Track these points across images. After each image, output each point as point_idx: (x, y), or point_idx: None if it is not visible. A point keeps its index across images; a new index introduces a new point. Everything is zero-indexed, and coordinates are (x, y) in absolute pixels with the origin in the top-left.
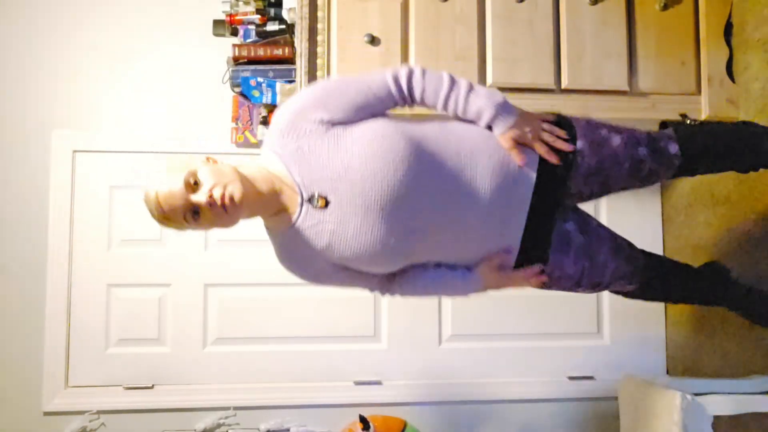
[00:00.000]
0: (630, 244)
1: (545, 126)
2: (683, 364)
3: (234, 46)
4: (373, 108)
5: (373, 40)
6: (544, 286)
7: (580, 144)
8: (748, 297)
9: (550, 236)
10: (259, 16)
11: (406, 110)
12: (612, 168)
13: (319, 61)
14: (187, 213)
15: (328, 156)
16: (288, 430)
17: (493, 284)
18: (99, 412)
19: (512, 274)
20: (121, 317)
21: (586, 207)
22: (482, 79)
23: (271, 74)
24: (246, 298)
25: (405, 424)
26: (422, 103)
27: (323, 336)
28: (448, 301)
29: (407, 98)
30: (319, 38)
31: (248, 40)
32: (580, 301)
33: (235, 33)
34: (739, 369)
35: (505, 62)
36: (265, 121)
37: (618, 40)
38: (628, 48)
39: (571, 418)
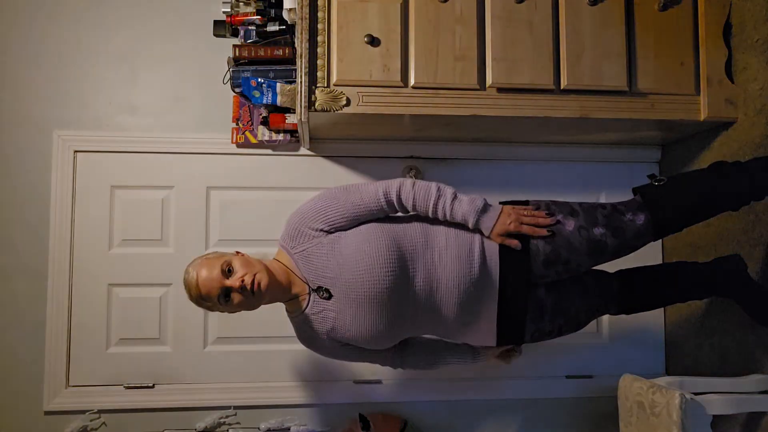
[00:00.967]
0: (598, 277)
1: (523, 212)
2: (683, 364)
3: (234, 46)
4: (366, 217)
5: (373, 41)
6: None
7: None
8: (758, 293)
9: (525, 317)
10: (259, 17)
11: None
12: (570, 253)
13: (319, 62)
14: (221, 296)
15: (326, 258)
16: (288, 429)
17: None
18: (100, 412)
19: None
20: (121, 316)
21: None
22: (482, 79)
23: (271, 74)
24: None
25: (404, 423)
26: (414, 211)
27: None
28: None
29: (397, 209)
30: (319, 38)
31: (249, 41)
32: None
33: (235, 34)
34: (738, 369)
35: (505, 62)
36: (265, 122)
37: (617, 41)
38: (627, 48)
39: (569, 416)
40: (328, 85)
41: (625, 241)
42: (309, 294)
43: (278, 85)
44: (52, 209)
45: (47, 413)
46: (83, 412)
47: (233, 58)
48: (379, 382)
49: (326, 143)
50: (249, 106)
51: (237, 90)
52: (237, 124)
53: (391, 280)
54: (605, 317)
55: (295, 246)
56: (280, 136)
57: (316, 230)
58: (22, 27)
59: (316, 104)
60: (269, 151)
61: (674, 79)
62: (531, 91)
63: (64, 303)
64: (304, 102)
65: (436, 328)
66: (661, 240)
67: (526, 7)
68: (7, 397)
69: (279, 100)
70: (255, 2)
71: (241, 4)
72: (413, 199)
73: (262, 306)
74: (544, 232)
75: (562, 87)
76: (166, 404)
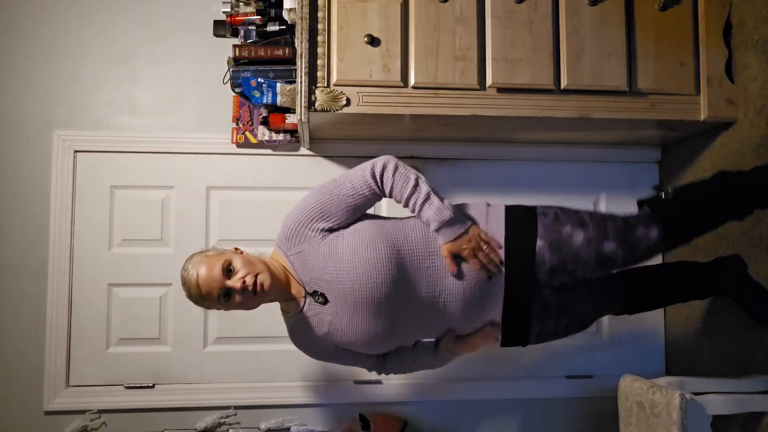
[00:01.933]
0: (603, 278)
1: (483, 245)
2: (683, 364)
3: (234, 46)
4: (363, 206)
5: (373, 41)
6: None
7: (539, 243)
8: (758, 293)
9: (530, 319)
10: (259, 17)
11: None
12: (576, 265)
13: (319, 62)
14: (221, 295)
15: (324, 260)
16: (288, 429)
17: (459, 351)
18: (100, 412)
19: (470, 339)
20: (121, 316)
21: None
22: (482, 79)
23: (271, 74)
24: None
25: (404, 423)
26: (391, 197)
27: None
28: None
29: (383, 191)
30: (319, 38)
31: (249, 41)
32: None
33: (235, 34)
34: (738, 369)
35: (505, 62)
36: (265, 122)
37: (617, 41)
38: (627, 48)
39: (570, 417)
40: (328, 85)
41: (637, 255)
42: (305, 297)
43: (278, 85)
44: (52, 209)
45: (47, 413)
46: (83, 412)
47: (233, 58)
48: (379, 382)
49: (326, 143)
50: (249, 106)
51: (237, 90)
52: (237, 124)
53: (389, 286)
54: (605, 317)
55: (291, 247)
56: (280, 136)
57: (315, 230)
58: (22, 27)
59: (316, 104)
60: (269, 151)
61: (674, 79)
62: (531, 91)
63: (64, 303)
64: (304, 102)
65: (437, 332)
66: None
67: (526, 7)
68: (7, 397)
69: (279, 100)
70: (255, 2)
71: (241, 4)
72: (391, 186)
73: (261, 305)
74: (484, 273)
75: (562, 87)
76: (166, 404)
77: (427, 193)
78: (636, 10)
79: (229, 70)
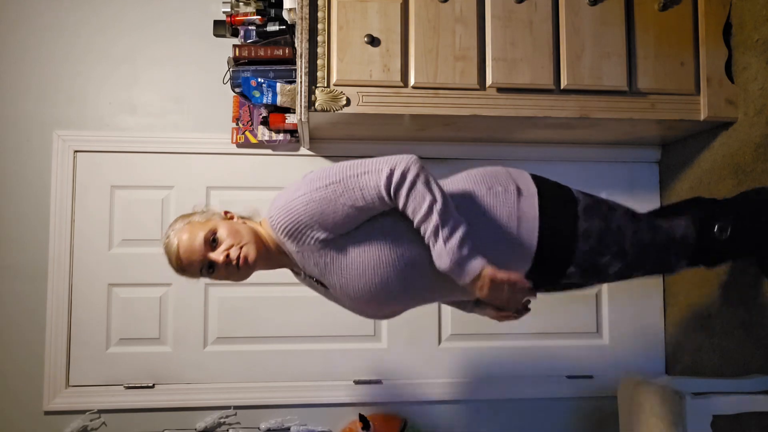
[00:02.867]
0: (659, 249)
1: (504, 286)
2: (683, 364)
3: (234, 46)
4: (366, 216)
5: (373, 41)
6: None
7: (571, 269)
8: None
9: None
10: (259, 17)
11: None
12: (597, 280)
13: (319, 62)
14: (204, 267)
15: (324, 270)
16: (288, 429)
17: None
18: (100, 412)
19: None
20: (121, 316)
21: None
22: (482, 79)
23: (271, 74)
24: (246, 297)
25: (404, 423)
26: (403, 213)
27: (323, 335)
28: None
29: (396, 207)
30: (319, 38)
31: (249, 41)
32: (580, 300)
33: (235, 34)
34: (738, 369)
35: (505, 62)
36: (265, 122)
37: (617, 41)
38: (627, 48)
39: (570, 417)
40: (328, 85)
41: (654, 272)
42: (303, 274)
43: (278, 85)
44: (52, 209)
45: (47, 413)
46: (83, 412)
47: (233, 58)
48: (379, 382)
49: (326, 143)
50: (249, 106)
51: (237, 90)
52: (237, 124)
53: (396, 297)
54: (605, 316)
55: (286, 242)
56: (280, 136)
57: (313, 240)
58: (22, 27)
59: (316, 104)
60: (269, 151)
61: (674, 78)
62: (531, 91)
63: (64, 303)
64: (304, 102)
65: (449, 298)
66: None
67: (526, 7)
68: (7, 397)
69: (279, 100)
70: (255, 2)
71: (241, 4)
72: (404, 205)
73: (261, 306)
74: (503, 320)
75: (562, 87)
76: (166, 404)
77: (436, 227)
78: (636, 10)
79: (229, 70)
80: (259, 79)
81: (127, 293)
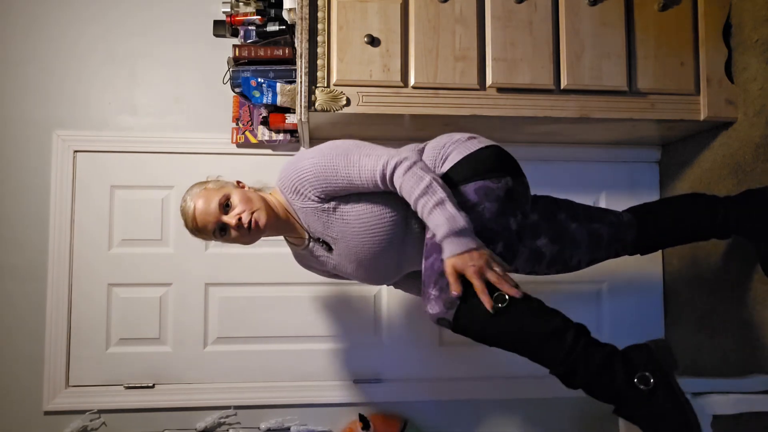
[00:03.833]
0: (612, 230)
1: (496, 268)
2: (683, 364)
3: (234, 46)
4: (361, 190)
5: (373, 41)
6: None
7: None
8: None
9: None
10: (259, 17)
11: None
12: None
13: (319, 62)
14: (216, 230)
15: (327, 220)
16: (288, 429)
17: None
18: (100, 412)
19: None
20: (121, 316)
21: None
22: (482, 79)
23: (271, 74)
24: (246, 297)
25: (404, 423)
26: (401, 195)
27: (323, 335)
28: None
29: (392, 191)
30: (319, 38)
31: (249, 41)
32: (579, 299)
33: (235, 34)
34: (739, 368)
35: (505, 62)
36: (265, 122)
37: (617, 41)
38: (627, 48)
39: (570, 416)
40: (328, 85)
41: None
42: (309, 239)
43: (278, 85)
44: (52, 209)
45: (47, 413)
46: (83, 412)
47: (233, 58)
48: (379, 381)
49: None
50: (249, 106)
51: (237, 90)
52: (237, 124)
53: (395, 246)
54: (605, 316)
55: (294, 200)
56: (280, 136)
57: (312, 196)
58: (22, 27)
59: (316, 104)
60: (269, 151)
61: (674, 79)
62: (531, 91)
63: (64, 303)
64: (304, 102)
65: None
66: None
67: (526, 7)
68: (7, 397)
69: (279, 100)
70: (255, 2)
71: (241, 4)
72: (401, 184)
73: (261, 306)
74: (488, 304)
75: (562, 87)
76: (166, 404)
77: (442, 198)
78: (636, 10)
79: (229, 70)
80: (259, 79)
81: (127, 293)
